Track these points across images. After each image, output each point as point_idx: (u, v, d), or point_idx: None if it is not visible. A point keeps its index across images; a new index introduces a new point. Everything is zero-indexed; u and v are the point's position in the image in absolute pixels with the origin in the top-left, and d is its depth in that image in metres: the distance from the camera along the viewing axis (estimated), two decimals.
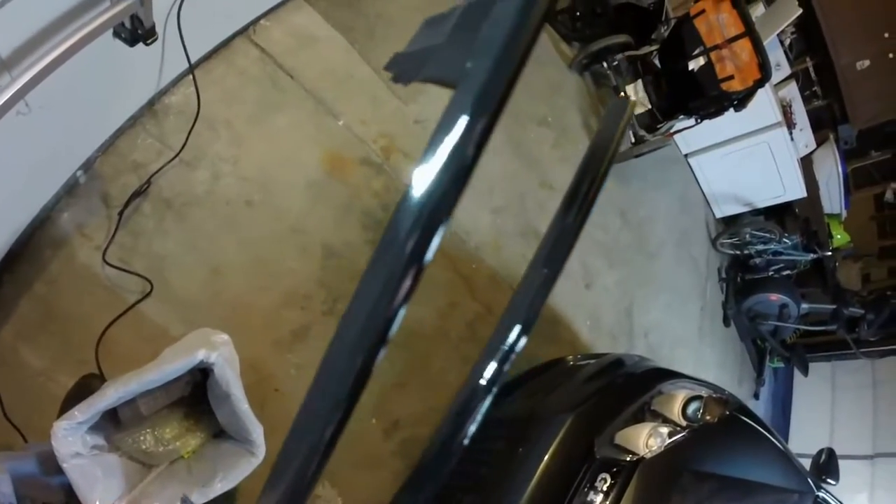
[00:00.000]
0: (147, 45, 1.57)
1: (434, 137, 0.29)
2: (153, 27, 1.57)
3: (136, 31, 1.55)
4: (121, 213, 1.88)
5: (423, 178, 0.27)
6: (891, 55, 4.80)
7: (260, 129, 2.23)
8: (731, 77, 3.25)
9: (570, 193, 0.34)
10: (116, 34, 1.55)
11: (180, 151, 2.00)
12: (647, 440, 1.68)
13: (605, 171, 0.35)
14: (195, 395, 1.69)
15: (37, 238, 1.78)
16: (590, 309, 3.55)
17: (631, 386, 1.98)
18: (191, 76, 1.98)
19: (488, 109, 0.28)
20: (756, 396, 5.56)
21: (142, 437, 1.58)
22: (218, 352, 1.45)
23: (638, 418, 1.81)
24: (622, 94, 3.61)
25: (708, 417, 1.82)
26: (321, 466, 0.26)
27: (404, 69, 0.38)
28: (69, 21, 1.37)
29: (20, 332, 1.73)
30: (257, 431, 1.54)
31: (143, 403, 1.58)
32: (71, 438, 1.34)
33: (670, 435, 1.73)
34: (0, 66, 1.27)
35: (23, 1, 1.20)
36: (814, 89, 5.43)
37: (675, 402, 1.82)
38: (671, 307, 4.40)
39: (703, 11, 3.26)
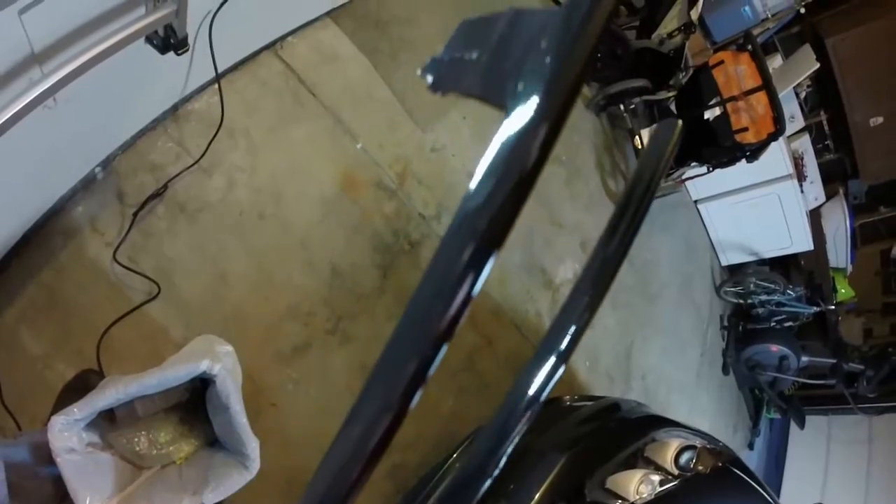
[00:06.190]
0: (178, 55, 1.60)
1: (485, 164, 0.26)
2: (185, 38, 1.60)
3: (169, 40, 1.58)
4: (135, 214, 1.90)
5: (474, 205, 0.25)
6: None
7: (277, 141, 2.25)
8: (745, 129, 3.27)
9: (615, 218, 0.33)
10: (149, 41, 1.58)
11: (200, 158, 2.02)
12: (637, 486, 1.67)
13: (651, 194, 0.34)
14: (193, 402, 1.69)
15: (49, 227, 1.81)
16: (589, 349, 3.53)
17: (625, 431, 1.96)
18: (216, 85, 2.02)
19: (543, 137, 0.26)
20: (751, 446, 5.49)
21: (136, 438, 1.58)
22: (221, 363, 1.45)
23: (630, 464, 1.79)
24: (636, 137, 3.64)
25: (700, 468, 1.80)
26: (364, 473, 0.27)
27: (442, 76, 0.34)
28: (103, 24, 1.40)
29: (23, 316, 1.74)
30: (252, 446, 1.52)
31: (140, 405, 1.58)
32: (67, 434, 1.35)
33: (661, 483, 1.71)
34: (32, 60, 1.30)
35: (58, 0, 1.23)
36: (826, 143, 5.44)
37: (669, 450, 1.80)
38: (670, 351, 4.36)
39: (721, 62, 3.30)
